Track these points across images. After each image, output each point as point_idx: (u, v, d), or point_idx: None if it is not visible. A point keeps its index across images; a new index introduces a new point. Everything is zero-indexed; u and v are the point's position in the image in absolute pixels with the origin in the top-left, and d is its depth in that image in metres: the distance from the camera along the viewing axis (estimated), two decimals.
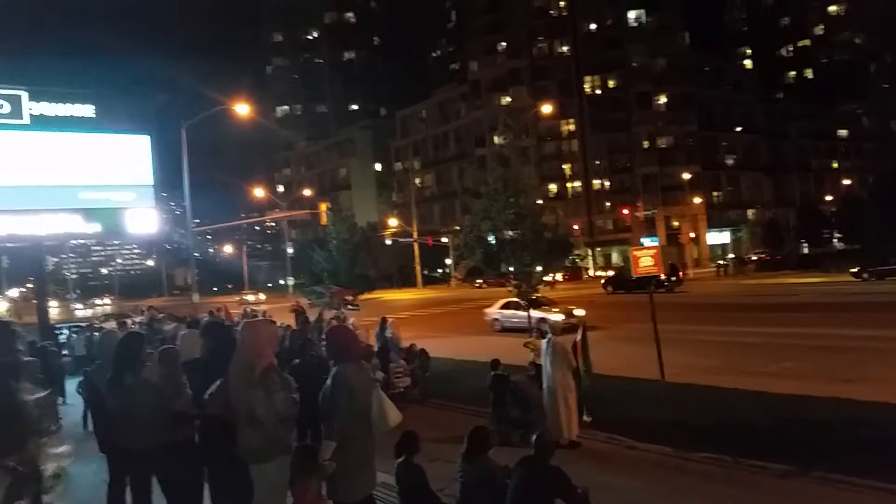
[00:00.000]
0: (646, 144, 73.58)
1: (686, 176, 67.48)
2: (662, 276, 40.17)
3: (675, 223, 70.90)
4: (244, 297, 63.92)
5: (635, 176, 73.07)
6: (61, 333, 24.56)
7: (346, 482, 4.46)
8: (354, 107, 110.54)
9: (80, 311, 62.60)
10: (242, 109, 30.13)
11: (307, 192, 78.35)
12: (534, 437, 5.60)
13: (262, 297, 63.68)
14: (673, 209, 70.07)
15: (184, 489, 5.60)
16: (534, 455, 5.43)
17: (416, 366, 13.78)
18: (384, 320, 14.49)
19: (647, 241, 53.18)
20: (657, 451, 8.93)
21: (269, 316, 19.35)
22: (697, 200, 69.41)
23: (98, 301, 78.39)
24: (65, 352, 20.45)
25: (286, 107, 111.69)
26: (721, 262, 62.10)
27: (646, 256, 14.84)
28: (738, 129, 79.00)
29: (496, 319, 25.51)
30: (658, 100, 73.55)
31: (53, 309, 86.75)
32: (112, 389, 5.53)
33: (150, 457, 5.28)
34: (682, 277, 41.95)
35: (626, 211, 66.69)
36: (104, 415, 5.78)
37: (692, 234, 69.36)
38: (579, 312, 21.30)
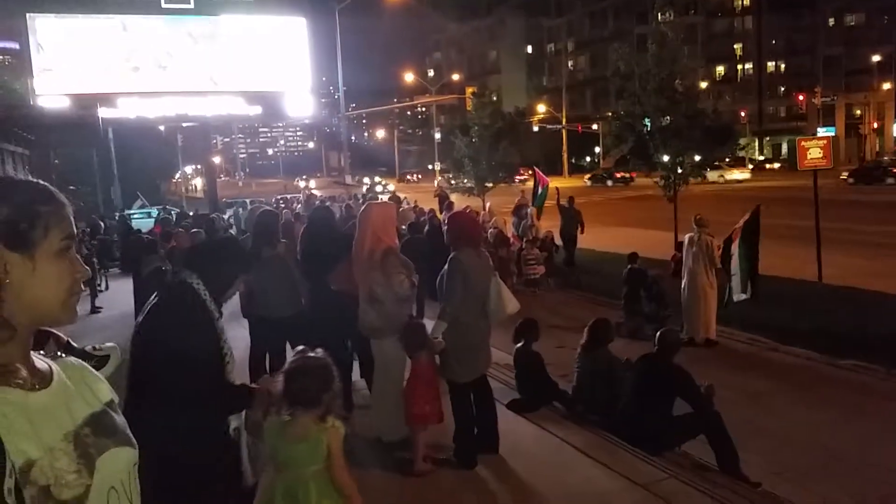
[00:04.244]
0: (831, 22, 65.08)
1: (876, 58, 59.27)
2: None
3: (858, 112, 63.31)
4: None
5: (816, 58, 65.27)
6: (231, 207, 26.79)
7: (456, 363, 4.59)
8: None
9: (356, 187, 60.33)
10: None
11: (456, 77, 77.42)
12: (657, 334, 5.41)
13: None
14: (857, 96, 62.31)
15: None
16: (656, 352, 5.26)
17: (552, 254, 13.70)
18: (521, 207, 14.35)
19: (821, 131, 48.27)
20: (802, 354, 8.39)
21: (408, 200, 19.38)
22: (887, 86, 61.14)
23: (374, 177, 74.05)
24: (231, 222, 22.12)
25: None
26: None
27: (814, 147, 13.47)
28: None
29: None
30: None
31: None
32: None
33: (285, 324, 5.66)
34: None
35: (801, 97, 60.32)
36: (245, 284, 6.24)
37: (875, 125, 61.70)
38: None
